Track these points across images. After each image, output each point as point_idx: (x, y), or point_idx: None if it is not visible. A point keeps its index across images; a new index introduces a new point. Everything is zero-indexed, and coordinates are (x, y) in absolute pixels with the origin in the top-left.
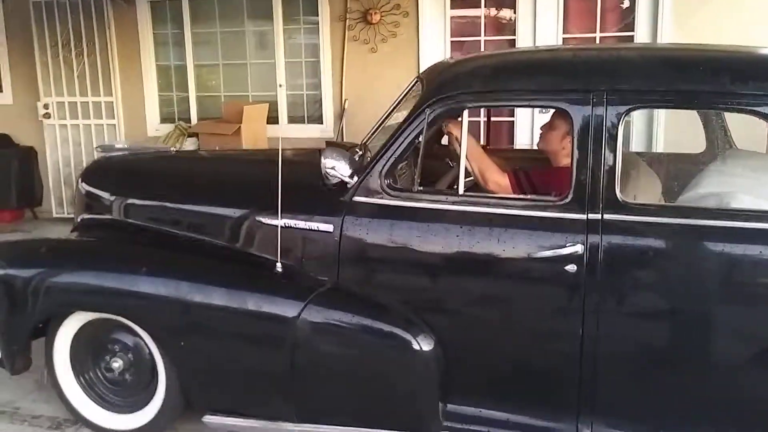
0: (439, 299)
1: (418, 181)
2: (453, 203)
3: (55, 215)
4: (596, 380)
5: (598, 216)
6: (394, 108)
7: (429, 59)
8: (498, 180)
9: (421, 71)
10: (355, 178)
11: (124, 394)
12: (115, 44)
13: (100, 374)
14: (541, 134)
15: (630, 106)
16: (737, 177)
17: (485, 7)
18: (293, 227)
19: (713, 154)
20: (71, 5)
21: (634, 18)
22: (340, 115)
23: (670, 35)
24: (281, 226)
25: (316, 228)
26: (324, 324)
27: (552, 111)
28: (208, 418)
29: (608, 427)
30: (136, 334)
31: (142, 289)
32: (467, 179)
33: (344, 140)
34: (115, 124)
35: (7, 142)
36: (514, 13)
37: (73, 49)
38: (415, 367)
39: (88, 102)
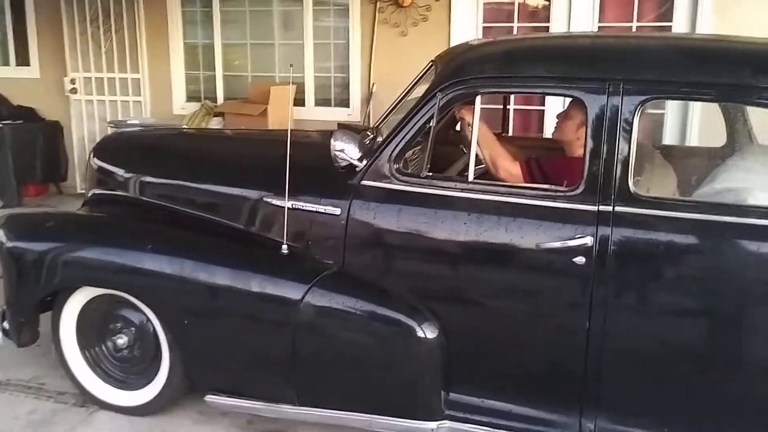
0: (444, 287)
1: (428, 166)
2: (462, 190)
3: (79, 191)
4: (601, 375)
5: (610, 208)
6: (408, 91)
7: None
8: (509, 168)
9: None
10: (365, 162)
11: (129, 371)
12: (143, 21)
13: (105, 350)
14: (556, 123)
15: (647, 97)
16: (755, 173)
17: None
18: (300, 209)
19: (733, 148)
20: None
21: (672, 7)
22: (367, 98)
23: (710, 25)
24: (288, 208)
25: (323, 210)
26: (328, 308)
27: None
28: (210, 398)
29: (612, 422)
30: (141, 311)
31: (147, 266)
32: (479, 166)
33: (371, 124)
34: (141, 101)
35: (33, 116)
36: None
37: (101, 24)
38: (418, 355)
39: (114, 78)
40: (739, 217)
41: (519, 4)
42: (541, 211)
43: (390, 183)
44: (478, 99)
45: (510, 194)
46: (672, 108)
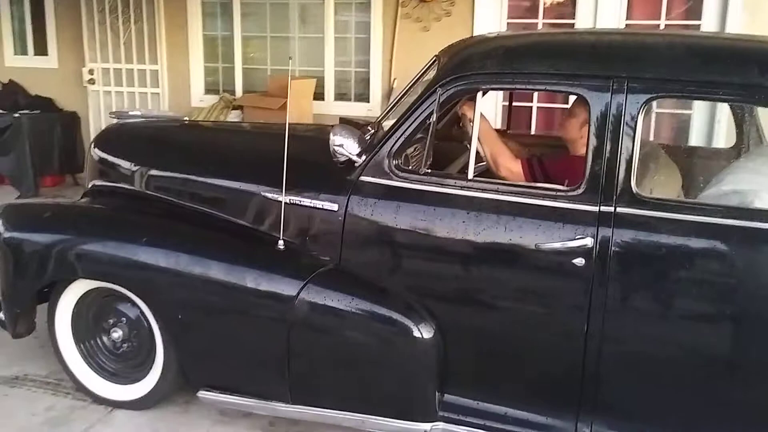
0: (441, 286)
1: (428, 163)
2: (461, 188)
3: None
4: (598, 378)
5: (611, 209)
6: (412, 86)
7: None
8: (510, 166)
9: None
10: (364, 157)
11: (123, 365)
12: (162, 12)
13: (100, 343)
14: (561, 121)
15: (651, 95)
16: (763, 175)
17: None
18: (298, 204)
19: (742, 149)
20: None
21: (701, 5)
22: (387, 94)
23: (741, 24)
24: (285, 203)
25: (320, 206)
26: (323, 305)
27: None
28: (203, 394)
29: (608, 427)
30: (136, 305)
31: (141, 259)
32: (480, 164)
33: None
34: (159, 93)
35: (51, 107)
36: None
37: (120, 15)
38: (414, 355)
39: (133, 69)
40: (743, 220)
41: None
42: (541, 210)
43: (389, 179)
44: (480, 95)
45: (509, 193)
46: (699, 108)
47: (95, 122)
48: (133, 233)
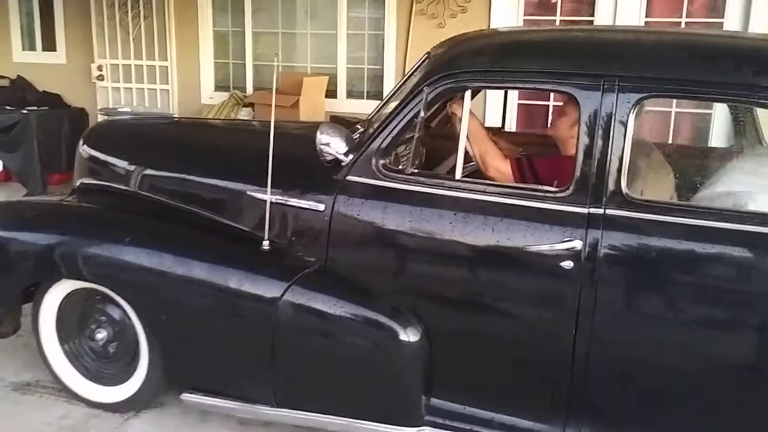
0: (428, 289)
1: (416, 163)
2: (449, 188)
3: None
4: (587, 383)
5: (601, 211)
6: (403, 83)
7: None
8: (498, 166)
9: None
10: (351, 156)
11: (108, 366)
12: (172, 7)
13: (84, 344)
14: (552, 120)
15: (643, 95)
16: (760, 176)
17: None
18: (284, 203)
19: (740, 150)
20: None
21: (724, 2)
22: None
23: (766, 22)
24: (271, 202)
25: (307, 206)
26: (307, 307)
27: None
28: (186, 396)
29: None
30: (120, 306)
31: (123, 259)
32: (470, 164)
33: None
34: (168, 90)
35: (59, 103)
36: None
37: (129, 10)
38: (400, 358)
39: (142, 65)
40: (734, 223)
41: None
42: (528, 212)
43: (376, 179)
44: (468, 94)
45: (497, 194)
46: (720, 108)
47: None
48: (116, 233)
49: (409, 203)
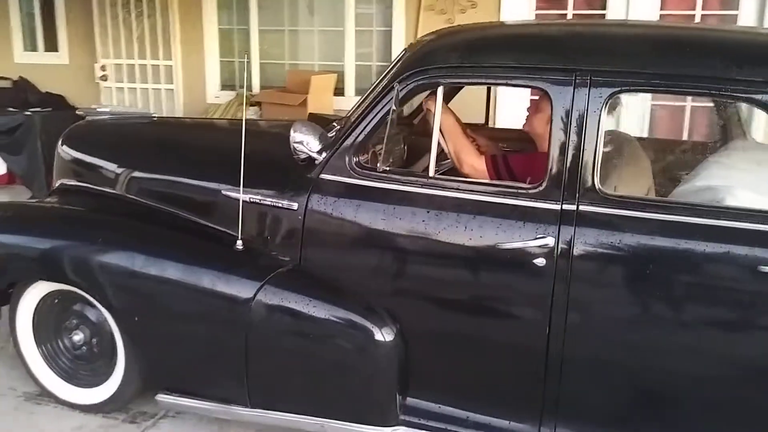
0: (401, 287)
1: (390, 160)
2: (422, 186)
3: None
4: (561, 381)
5: (573, 207)
6: (381, 80)
7: None
8: (473, 163)
9: None
10: (324, 155)
11: (86, 368)
12: (176, 5)
13: (61, 346)
14: (527, 116)
15: (615, 89)
16: (738, 170)
17: None
18: (257, 203)
19: (723, 144)
20: None
21: None
22: None
23: None
24: (244, 201)
25: (280, 205)
26: (280, 306)
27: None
28: (161, 397)
29: (572, 430)
30: (96, 307)
31: (96, 259)
32: (446, 161)
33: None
34: (173, 89)
35: (63, 104)
36: None
37: (132, 9)
38: (374, 357)
39: (146, 65)
40: (710, 218)
41: None
42: (501, 209)
43: (349, 177)
44: (440, 90)
45: (470, 191)
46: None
47: None
48: (90, 233)
49: (381, 201)
